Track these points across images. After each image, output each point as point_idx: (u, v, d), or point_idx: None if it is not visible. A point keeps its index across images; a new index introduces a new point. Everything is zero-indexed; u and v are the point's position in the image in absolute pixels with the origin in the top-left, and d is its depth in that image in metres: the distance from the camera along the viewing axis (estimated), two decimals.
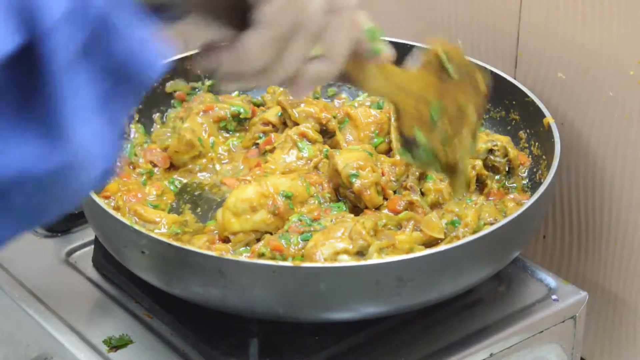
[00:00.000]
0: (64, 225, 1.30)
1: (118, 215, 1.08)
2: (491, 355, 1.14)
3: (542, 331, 1.18)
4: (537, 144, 1.25)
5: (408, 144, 1.01)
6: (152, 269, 1.09)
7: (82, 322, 1.17)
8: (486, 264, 1.09)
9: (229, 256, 1.03)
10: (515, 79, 1.32)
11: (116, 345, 1.13)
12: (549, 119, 1.22)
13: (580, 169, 1.30)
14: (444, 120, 1.01)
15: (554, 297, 1.21)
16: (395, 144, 1.19)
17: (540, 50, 1.29)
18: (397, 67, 0.97)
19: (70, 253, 1.28)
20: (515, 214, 1.08)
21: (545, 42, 1.28)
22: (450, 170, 1.04)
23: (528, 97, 1.26)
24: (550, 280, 1.23)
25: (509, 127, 1.31)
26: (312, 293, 1.02)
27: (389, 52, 0.90)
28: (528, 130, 1.27)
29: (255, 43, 0.79)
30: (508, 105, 1.30)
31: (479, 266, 1.08)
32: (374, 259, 1.04)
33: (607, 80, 1.23)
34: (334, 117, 1.30)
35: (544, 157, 1.23)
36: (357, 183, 1.16)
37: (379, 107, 1.34)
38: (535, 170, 1.24)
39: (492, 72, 1.30)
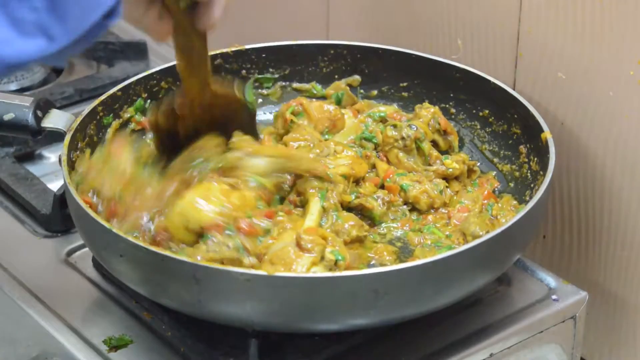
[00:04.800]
0: (64, 225, 1.30)
1: (98, 218, 1.08)
2: (491, 355, 1.14)
3: (542, 331, 1.18)
4: (535, 159, 1.25)
5: None
6: (129, 273, 1.09)
7: (82, 322, 1.17)
8: (463, 283, 1.08)
9: (204, 262, 1.03)
10: (515, 79, 1.32)
11: (116, 345, 1.13)
12: (546, 133, 1.21)
13: (580, 169, 1.30)
14: None
15: (554, 297, 1.21)
16: None
17: (540, 50, 1.29)
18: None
19: (70, 253, 1.28)
20: (498, 231, 1.07)
21: (545, 42, 1.28)
22: None
23: (528, 109, 1.25)
24: (550, 280, 1.23)
25: (510, 141, 1.30)
26: (285, 303, 1.02)
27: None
28: (528, 145, 1.27)
29: None
30: (510, 118, 1.30)
31: (459, 283, 1.07)
32: (347, 272, 1.04)
33: (607, 80, 1.23)
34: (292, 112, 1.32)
35: (541, 173, 1.22)
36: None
37: (338, 102, 1.35)
38: (532, 186, 1.24)
39: (493, 84, 1.30)
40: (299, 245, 1.08)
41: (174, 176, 1.14)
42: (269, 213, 1.14)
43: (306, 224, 1.14)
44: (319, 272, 1.06)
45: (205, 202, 1.10)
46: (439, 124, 1.29)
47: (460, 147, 1.34)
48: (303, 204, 1.19)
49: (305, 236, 1.08)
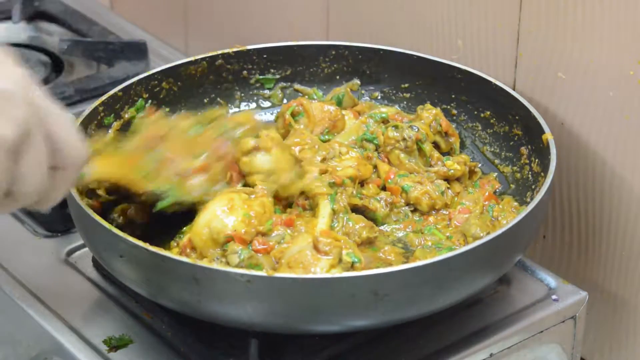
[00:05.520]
0: (63, 225, 1.30)
1: (98, 218, 1.08)
2: (491, 355, 1.14)
3: (542, 331, 1.18)
4: (537, 160, 1.25)
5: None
6: (129, 273, 1.09)
7: (82, 322, 1.17)
8: (464, 284, 1.08)
9: (204, 263, 1.03)
10: (515, 79, 1.32)
11: (116, 345, 1.13)
12: (547, 135, 1.21)
13: (580, 169, 1.30)
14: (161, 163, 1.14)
15: (554, 297, 1.21)
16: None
17: (540, 50, 1.29)
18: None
19: (70, 253, 1.28)
20: (499, 232, 1.07)
21: (545, 42, 1.28)
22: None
23: (529, 111, 1.25)
24: (550, 280, 1.23)
25: (511, 143, 1.30)
26: (285, 304, 1.02)
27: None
28: (529, 147, 1.26)
29: None
30: (511, 120, 1.29)
31: (459, 284, 1.07)
32: (347, 273, 1.04)
33: (607, 80, 1.23)
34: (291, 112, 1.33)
35: (542, 174, 1.22)
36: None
37: (339, 103, 1.35)
38: (533, 187, 1.23)
39: (495, 85, 1.30)
40: (316, 248, 1.07)
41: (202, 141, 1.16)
42: (288, 220, 1.14)
43: (318, 227, 1.14)
44: (338, 272, 1.06)
45: (229, 212, 1.11)
46: (440, 125, 1.29)
47: (462, 148, 1.33)
48: (312, 207, 1.19)
49: (323, 239, 1.08)
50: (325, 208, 1.17)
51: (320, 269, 1.06)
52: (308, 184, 1.19)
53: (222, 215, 1.11)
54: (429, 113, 1.30)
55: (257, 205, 1.13)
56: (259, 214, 1.13)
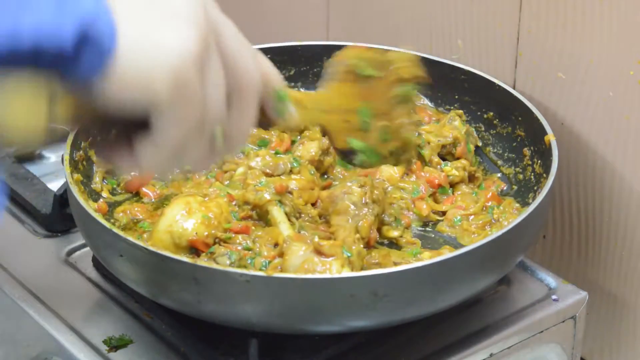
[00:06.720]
0: (63, 225, 1.30)
1: (99, 218, 1.08)
2: (491, 355, 1.14)
3: (542, 331, 1.18)
4: (539, 161, 1.24)
5: (345, 154, 1.03)
6: (129, 273, 1.09)
7: (82, 322, 1.17)
8: (464, 285, 1.08)
9: (203, 263, 1.03)
10: (515, 79, 1.31)
11: (116, 345, 1.13)
12: (550, 136, 1.21)
13: (580, 169, 1.30)
14: (378, 119, 1.02)
15: (554, 297, 1.21)
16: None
17: (540, 50, 1.29)
18: (311, 93, 1.01)
19: (70, 253, 1.28)
20: (499, 233, 1.06)
21: (545, 41, 1.28)
22: (397, 153, 1.05)
23: (532, 112, 1.25)
24: (550, 280, 1.23)
25: (514, 144, 1.30)
26: (285, 304, 1.02)
27: (293, 115, 0.93)
28: (532, 148, 1.26)
29: (151, 157, 0.81)
30: (514, 121, 1.29)
31: (459, 285, 1.07)
32: (347, 273, 1.04)
33: (607, 80, 1.23)
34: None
35: (544, 175, 1.22)
36: None
37: None
38: (536, 189, 1.23)
39: (498, 86, 1.30)
40: (320, 253, 1.07)
41: None
42: (244, 228, 1.14)
43: (285, 232, 1.14)
44: (347, 271, 1.06)
45: (187, 215, 1.12)
46: (455, 148, 1.28)
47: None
48: (260, 217, 1.18)
49: (324, 242, 1.08)
50: (279, 214, 1.16)
51: (336, 271, 1.05)
52: (257, 197, 1.18)
53: (181, 219, 1.11)
54: (452, 132, 1.29)
55: (214, 206, 1.13)
56: (217, 214, 1.13)
